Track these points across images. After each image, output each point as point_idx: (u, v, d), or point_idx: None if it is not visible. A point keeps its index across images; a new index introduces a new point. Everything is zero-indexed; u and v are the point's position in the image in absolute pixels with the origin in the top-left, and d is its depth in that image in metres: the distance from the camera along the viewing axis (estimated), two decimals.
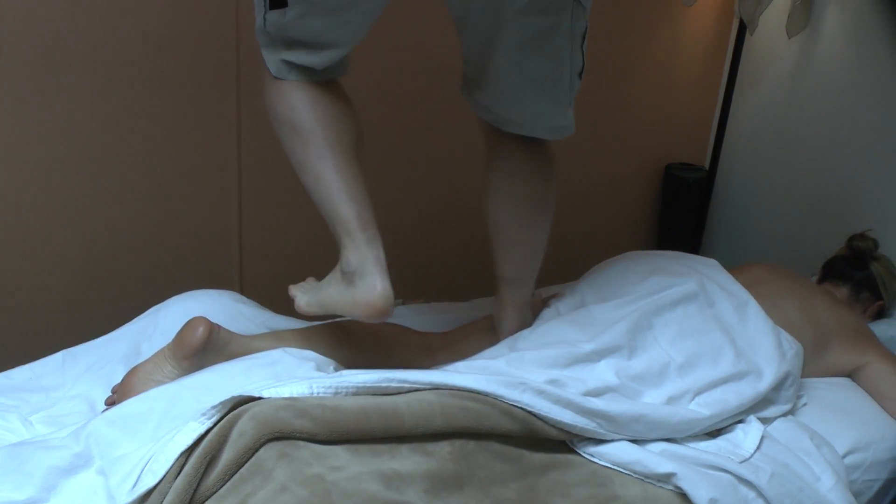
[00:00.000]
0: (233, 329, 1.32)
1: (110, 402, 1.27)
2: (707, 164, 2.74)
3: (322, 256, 2.16)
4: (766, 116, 2.58)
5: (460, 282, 2.33)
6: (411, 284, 2.34)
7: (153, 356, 1.26)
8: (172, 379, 1.23)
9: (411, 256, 2.34)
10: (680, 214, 2.72)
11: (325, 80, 1.25)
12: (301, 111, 1.22)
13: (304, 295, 1.32)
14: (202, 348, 1.23)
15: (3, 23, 1.62)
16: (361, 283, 1.21)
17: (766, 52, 2.55)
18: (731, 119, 2.66)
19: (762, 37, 2.54)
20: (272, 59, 1.23)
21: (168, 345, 1.26)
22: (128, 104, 1.81)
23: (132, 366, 1.30)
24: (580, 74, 1.32)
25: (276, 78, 1.23)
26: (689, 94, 2.69)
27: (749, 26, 2.45)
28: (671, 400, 1.32)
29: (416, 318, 1.71)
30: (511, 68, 1.25)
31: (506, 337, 1.45)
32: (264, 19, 1.21)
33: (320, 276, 1.35)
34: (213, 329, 1.25)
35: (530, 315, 1.50)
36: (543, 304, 1.55)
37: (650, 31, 2.52)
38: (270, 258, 2.14)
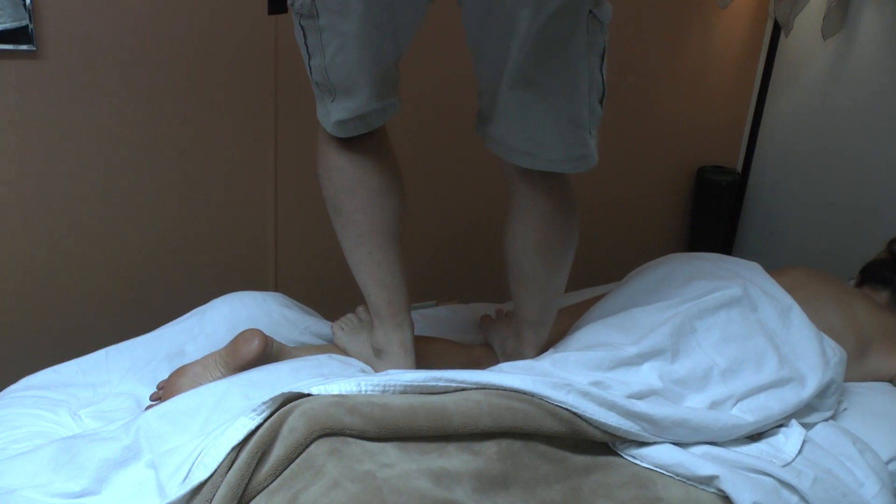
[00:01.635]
0: (277, 334, 1.34)
1: (156, 398, 1.28)
2: (740, 167, 2.72)
3: None
4: (800, 118, 2.56)
5: (494, 282, 2.33)
6: (445, 285, 2.35)
7: (203, 359, 1.28)
8: None
9: (444, 256, 2.35)
10: (712, 218, 2.71)
11: (373, 139, 1.27)
12: (344, 196, 1.28)
13: (342, 334, 1.42)
14: (255, 361, 1.25)
15: (44, 25, 1.64)
16: (386, 361, 1.33)
17: (801, 53, 2.53)
18: (765, 121, 2.64)
19: (797, 38, 2.52)
20: (323, 114, 1.26)
21: (220, 351, 1.27)
22: (167, 107, 1.83)
23: (176, 365, 1.32)
24: (601, 101, 1.24)
25: (328, 137, 1.27)
26: (721, 96, 2.67)
27: (784, 28, 2.43)
28: (714, 405, 1.31)
29: (453, 319, 1.71)
30: (522, 86, 1.19)
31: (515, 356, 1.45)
32: (310, 68, 1.23)
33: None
34: (268, 342, 1.27)
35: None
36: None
37: (684, 33, 2.51)
38: (306, 258, 2.15)
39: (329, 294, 2.13)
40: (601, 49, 1.20)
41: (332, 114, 1.23)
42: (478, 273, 2.41)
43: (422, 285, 2.32)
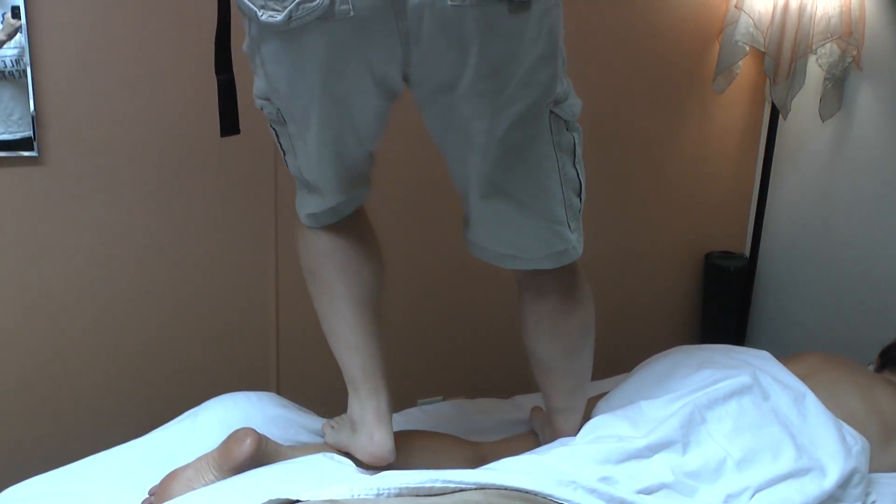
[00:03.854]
0: (274, 433, 1.29)
1: None
2: (748, 252, 2.69)
3: None
4: (804, 200, 2.55)
5: (501, 377, 2.28)
6: (452, 380, 2.30)
7: (195, 462, 1.23)
8: None
9: (451, 351, 2.30)
10: (723, 304, 2.66)
11: (348, 217, 1.29)
12: (320, 263, 1.29)
13: (332, 433, 1.38)
14: (249, 462, 1.20)
15: (47, 131, 1.67)
16: (361, 432, 1.27)
17: (801, 135, 2.54)
18: (770, 204, 2.62)
19: (796, 121, 2.53)
20: (300, 206, 1.30)
21: (212, 453, 1.23)
22: (166, 210, 1.84)
23: (168, 469, 1.27)
24: (578, 194, 1.24)
25: (302, 223, 1.31)
26: (724, 181, 2.67)
27: (782, 111, 2.44)
28: (729, 498, 1.25)
29: (458, 416, 1.66)
30: (492, 194, 1.19)
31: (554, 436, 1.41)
32: (286, 162, 1.27)
33: None
34: (261, 441, 1.22)
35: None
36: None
37: (682, 119, 2.53)
38: (308, 360, 2.11)
39: (333, 394, 2.09)
40: (571, 146, 1.20)
41: (306, 206, 1.28)
42: (486, 367, 2.36)
43: (429, 381, 2.27)
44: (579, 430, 1.39)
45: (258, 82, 1.16)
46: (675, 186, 2.58)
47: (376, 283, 1.32)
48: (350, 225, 1.30)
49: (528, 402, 1.72)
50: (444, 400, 1.92)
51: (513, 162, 1.15)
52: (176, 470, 1.23)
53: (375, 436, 1.25)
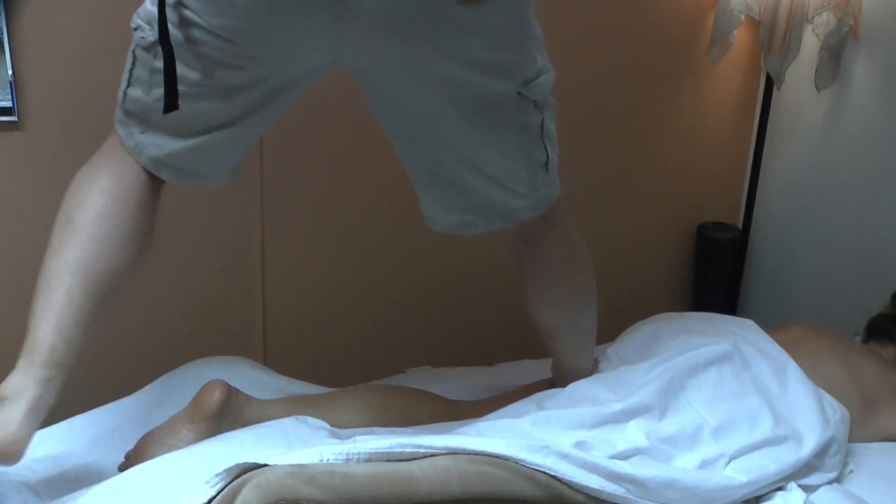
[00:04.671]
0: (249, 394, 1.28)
1: (123, 468, 1.23)
2: (740, 223, 2.67)
3: (348, 326, 2.14)
4: (798, 171, 2.53)
5: (489, 347, 2.28)
6: (441, 349, 2.30)
7: (168, 420, 1.23)
8: (188, 443, 1.20)
9: (441, 321, 2.30)
10: (715, 275, 2.65)
11: (157, 191, 1.17)
12: (88, 214, 1.10)
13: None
14: (220, 412, 1.20)
15: (26, 98, 1.65)
16: (2, 411, 1.02)
17: (796, 106, 2.51)
18: (763, 176, 2.60)
19: (791, 91, 2.50)
20: (128, 138, 1.16)
21: (184, 409, 1.23)
22: None
23: (144, 432, 1.26)
24: (546, 166, 1.20)
25: (121, 149, 1.15)
26: (718, 151, 2.65)
27: (776, 81, 2.42)
28: (704, 464, 1.25)
29: (442, 383, 1.65)
30: (447, 176, 1.17)
31: None
32: (124, 94, 1.15)
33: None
34: (231, 393, 1.22)
35: None
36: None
37: (677, 90, 2.50)
38: (294, 330, 2.11)
39: (320, 366, 2.09)
40: (538, 125, 1.16)
41: (147, 149, 1.14)
42: (475, 337, 2.36)
43: (419, 350, 2.27)
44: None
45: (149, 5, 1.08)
46: (669, 157, 2.56)
47: (125, 272, 1.14)
48: (155, 199, 1.18)
49: (512, 370, 1.72)
50: (432, 368, 1.92)
51: (472, 145, 1.12)
52: (151, 431, 1.23)
53: (14, 426, 1.01)
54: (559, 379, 1.46)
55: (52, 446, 1.28)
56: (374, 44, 1.01)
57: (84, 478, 1.22)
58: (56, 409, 1.44)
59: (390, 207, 2.11)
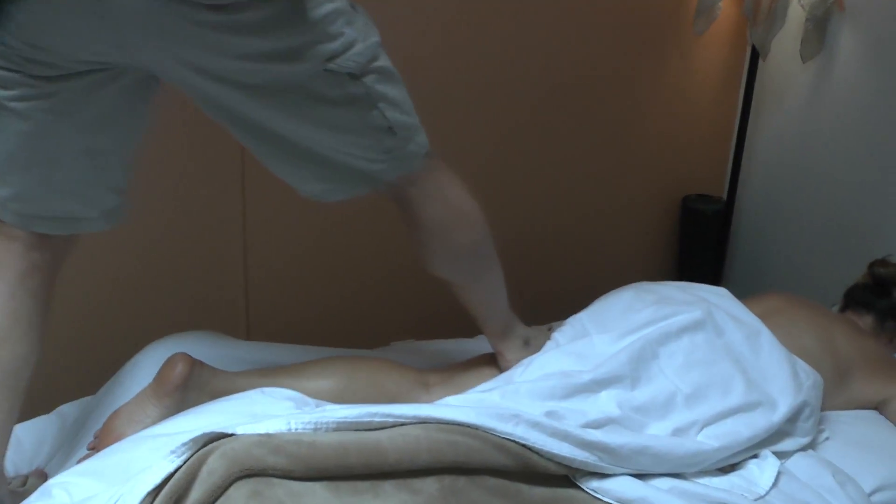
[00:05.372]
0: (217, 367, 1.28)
1: (92, 447, 1.22)
2: (725, 195, 2.67)
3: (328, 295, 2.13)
4: (783, 143, 2.52)
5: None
6: (422, 320, 2.30)
7: (135, 397, 1.22)
8: (155, 419, 1.19)
9: (425, 294, 2.30)
10: (699, 247, 2.65)
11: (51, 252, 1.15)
12: None
13: None
14: (183, 385, 1.19)
15: None
16: None
17: (782, 77, 2.50)
18: (748, 147, 2.60)
19: (777, 62, 2.49)
20: None
21: (149, 384, 1.22)
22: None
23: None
24: (391, 131, 1.16)
25: None
26: (703, 124, 2.63)
27: (761, 52, 2.40)
28: (677, 432, 1.25)
29: (424, 355, 1.65)
30: (278, 155, 1.15)
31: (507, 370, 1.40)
32: None
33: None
34: (195, 365, 1.21)
35: (524, 345, 1.44)
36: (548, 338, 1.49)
37: (662, 62, 2.48)
38: (277, 299, 2.10)
39: (303, 334, 2.08)
40: (363, 96, 1.11)
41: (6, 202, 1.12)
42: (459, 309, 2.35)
43: (404, 322, 2.27)
44: (509, 335, 1.40)
45: None
46: (654, 129, 2.55)
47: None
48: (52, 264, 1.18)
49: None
50: (415, 341, 1.92)
51: (297, 126, 1.11)
52: (118, 409, 1.22)
53: None
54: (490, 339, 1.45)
55: (22, 444, 1.28)
56: (144, 45, 1.00)
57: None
58: (36, 397, 1.46)
59: None
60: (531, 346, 1.43)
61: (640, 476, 1.18)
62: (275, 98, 1.08)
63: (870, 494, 1.30)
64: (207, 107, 1.12)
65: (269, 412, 1.15)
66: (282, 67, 1.05)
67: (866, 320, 1.73)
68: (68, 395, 1.51)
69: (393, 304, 2.25)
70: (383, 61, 1.14)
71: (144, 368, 1.33)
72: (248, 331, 2.10)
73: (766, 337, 1.42)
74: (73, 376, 1.84)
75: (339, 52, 1.07)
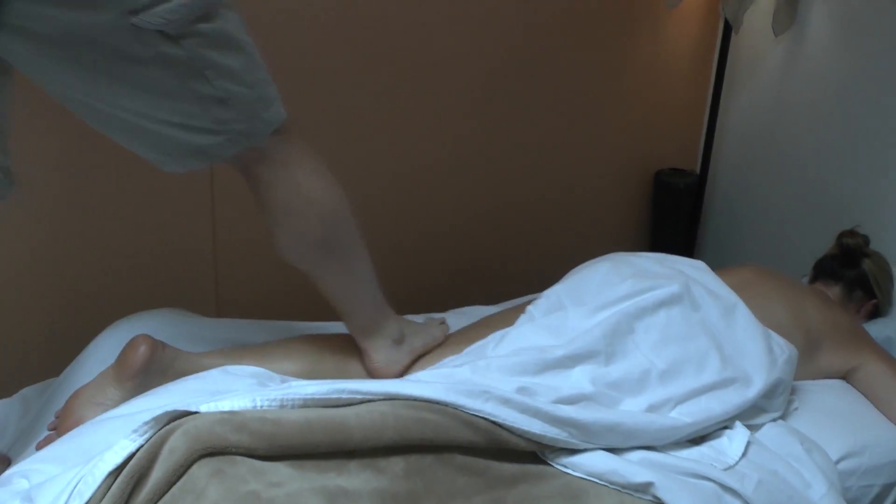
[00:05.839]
0: (181, 347, 1.25)
1: (52, 428, 1.20)
2: (698, 169, 2.67)
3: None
4: (756, 117, 2.52)
5: (440, 293, 2.27)
6: (391, 294, 2.29)
7: (95, 378, 1.19)
8: (116, 402, 1.17)
9: (392, 265, 2.28)
10: (672, 221, 2.65)
11: None
12: None
13: None
14: (145, 367, 1.16)
15: None
16: None
17: (754, 51, 2.49)
18: (721, 121, 2.59)
19: (749, 36, 2.48)
20: None
21: (110, 366, 1.19)
22: None
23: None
24: (221, 100, 1.07)
25: None
26: (676, 97, 2.62)
27: (734, 25, 2.39)
28: (651, 408, 1.24)
29: None
30: (100, 122, 1.07)
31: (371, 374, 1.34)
32: None
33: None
34: (157, 347, 1.18)
35: (394, 345, 1.35)
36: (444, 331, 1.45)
37: (634, 35, 2.46)
38: (246, 275, 2.08)
39: (272, 308, 2.06)
40: (184, 59, 1.02)
41: None
42: (434, 284, 2.34)
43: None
44: (383, 342, 1.32)
45: None
46: (626, 103, 2.53)
47: None
48: None
49: (460, 317, 1.68)
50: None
51: (112, 91, 1.02)
52: (78, 390, 1.19)
53: None
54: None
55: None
56: None
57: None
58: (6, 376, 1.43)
59: (343, 145, 2.08)
60: (407, 345, 1.36)
61: (611, 449, 1.18)
62: (77, 54, 0.97)
63: (837, 461, 1.31)
64: (18, 63, 1.02)
65: (230, 390, 1.13)
66: (76, 16, 0.94)
67: (835, 291, 1.74)
68: (32, 377, 1.48)
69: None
70: (218, 24, 1.03)
71: (107, 349, 1.30)
72: (218, 306, 2.08)
73: (741, 311, 1.42)
74: (37, 359, 1.82)
75: (146, 5, 0.96)
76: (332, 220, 1.21)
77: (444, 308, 1.79)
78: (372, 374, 1.33)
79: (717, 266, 1.62)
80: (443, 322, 1.45)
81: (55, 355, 1.71)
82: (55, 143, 1.75)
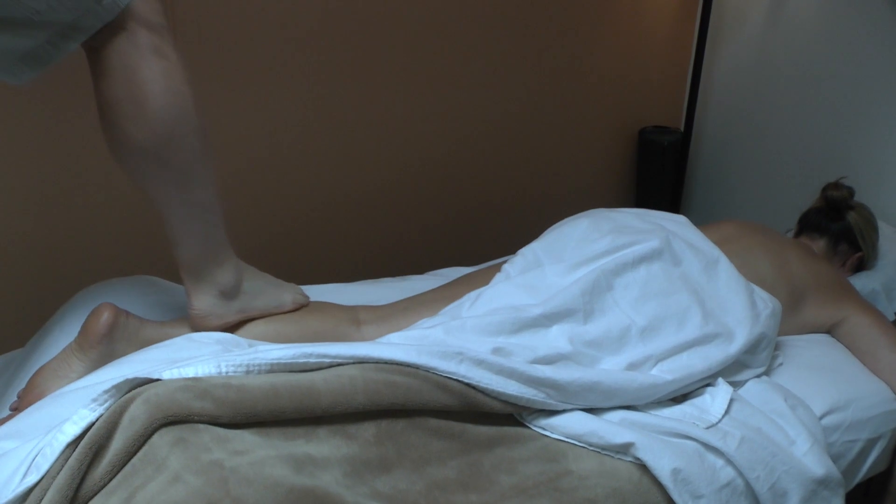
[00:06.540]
0: (151, 315, 1.21)
1: (14, 408, 1.16)
2: (682, 126, 2.63)
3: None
4: (740, 73, 2.47)
5: (420, 255, 2.24)
6: (370, 259, 2.26)
7: (60, 353, 1.15)
8: (80, 374, 1.12)
9: (369, 229, 2.25)
10: (657, 179, 2.61)
11: None
12: None
13: None
14: (109, 335, 1.12)
15: None
16: None
17: (737, 8, 2.44)
18: (704, 78, 2.55)
19: None
20: None
21: (74, 339, 1.16)
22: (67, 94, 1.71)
23: None
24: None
25: None
26: (660, 54, 2.57)
27: None
28: (631, 367, 1.21)
29: (369, 294, 1.58)
30: None
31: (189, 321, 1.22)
32: None
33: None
34: (120, 315, 1.14)
35: (221, 297, 1.21)
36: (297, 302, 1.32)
37: None
38: None
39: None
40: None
41: None
42: (406, 247, 2.31)
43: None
44: (208, 290, 1.18)
45: None
46: (610, 61, 2.48)
47: None
48: None
49: (438, 278, 1.64)
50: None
51: None
52: (43, 365, 1.15)
53: None
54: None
55: None
56: None
57: None
58: None
59: (322, 107, 2.03)
60: (238, 302, 1.22)
61: (591, 410, 1.16)
62: None
63: (821, 416, 1.29)
64: None
65: (197, 356, 1.09)
66: None
67: (819, 244, 1.71)
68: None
69: (333, 241, 2.20)
70: None
71: (74, 318, 1.26)
72: None
73: (723, 265, 1.38)
74: (4, 330, 1.78)
75: None
76: (166, 130, 1.04)
77: (421, 270, 1.75)
78: (190, 322, 1.21)
79: (701, 219, 1.58)
80: (302, 293, 1.32)
81: (17, 326, 1.68)
82: (22, 111, 1.70)
